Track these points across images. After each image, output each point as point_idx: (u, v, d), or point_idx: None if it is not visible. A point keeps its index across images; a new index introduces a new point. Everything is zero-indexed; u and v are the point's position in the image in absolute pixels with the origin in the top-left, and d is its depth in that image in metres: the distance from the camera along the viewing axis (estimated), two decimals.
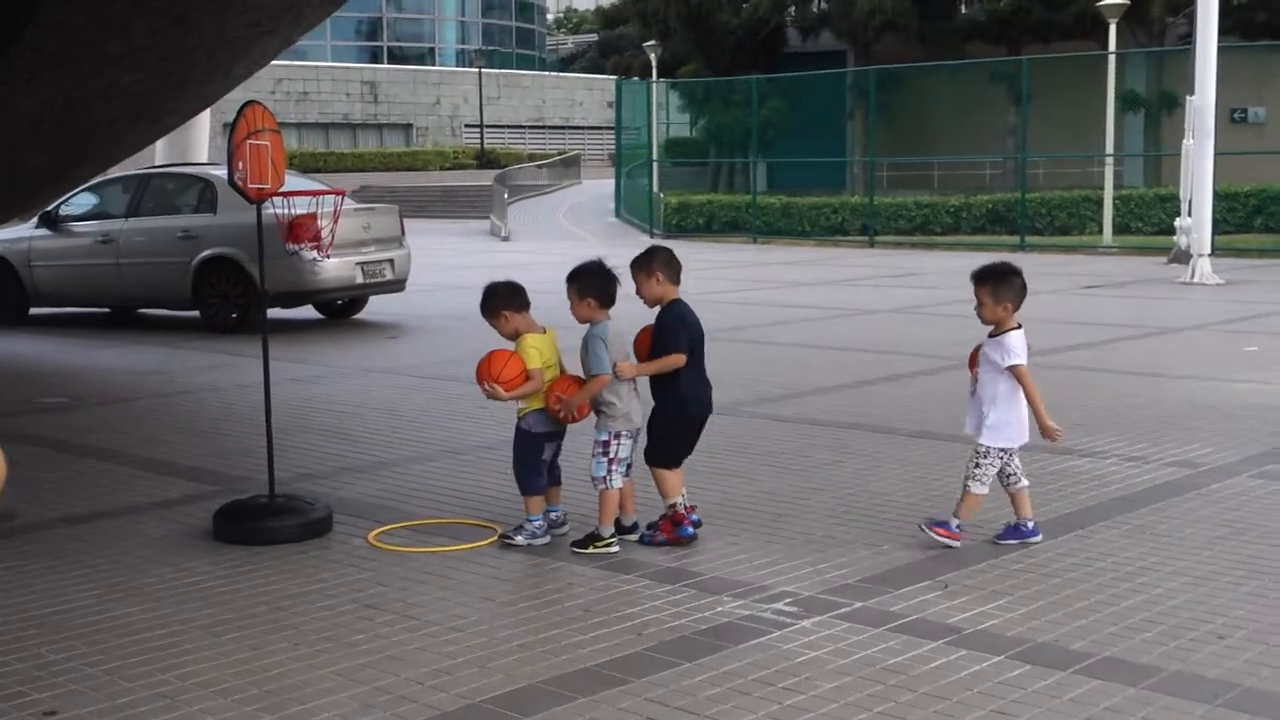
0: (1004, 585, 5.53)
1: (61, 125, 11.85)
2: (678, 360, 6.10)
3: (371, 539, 6.43)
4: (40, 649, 4.97)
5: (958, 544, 6.08)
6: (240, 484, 7.57)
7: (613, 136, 48.03)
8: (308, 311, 16.24)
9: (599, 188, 47.61)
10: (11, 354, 13.87)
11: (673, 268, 6.25)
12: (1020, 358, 6.06)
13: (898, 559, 5.95)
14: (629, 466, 6.22)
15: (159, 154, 23.54)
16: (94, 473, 8.09)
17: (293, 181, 13.67)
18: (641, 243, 33.12)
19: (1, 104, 11.02)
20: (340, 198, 7.64)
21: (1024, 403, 6.12)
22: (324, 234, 7.56)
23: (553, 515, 6.39)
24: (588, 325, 6.18)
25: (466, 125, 67.09)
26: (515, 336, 6.24)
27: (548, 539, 6.30)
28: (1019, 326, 6.14)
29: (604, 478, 6.17)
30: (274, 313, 15.62)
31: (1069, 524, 6.48)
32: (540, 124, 70.72)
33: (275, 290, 14.65)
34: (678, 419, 6.22)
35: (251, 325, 14.83)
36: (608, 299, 6.19)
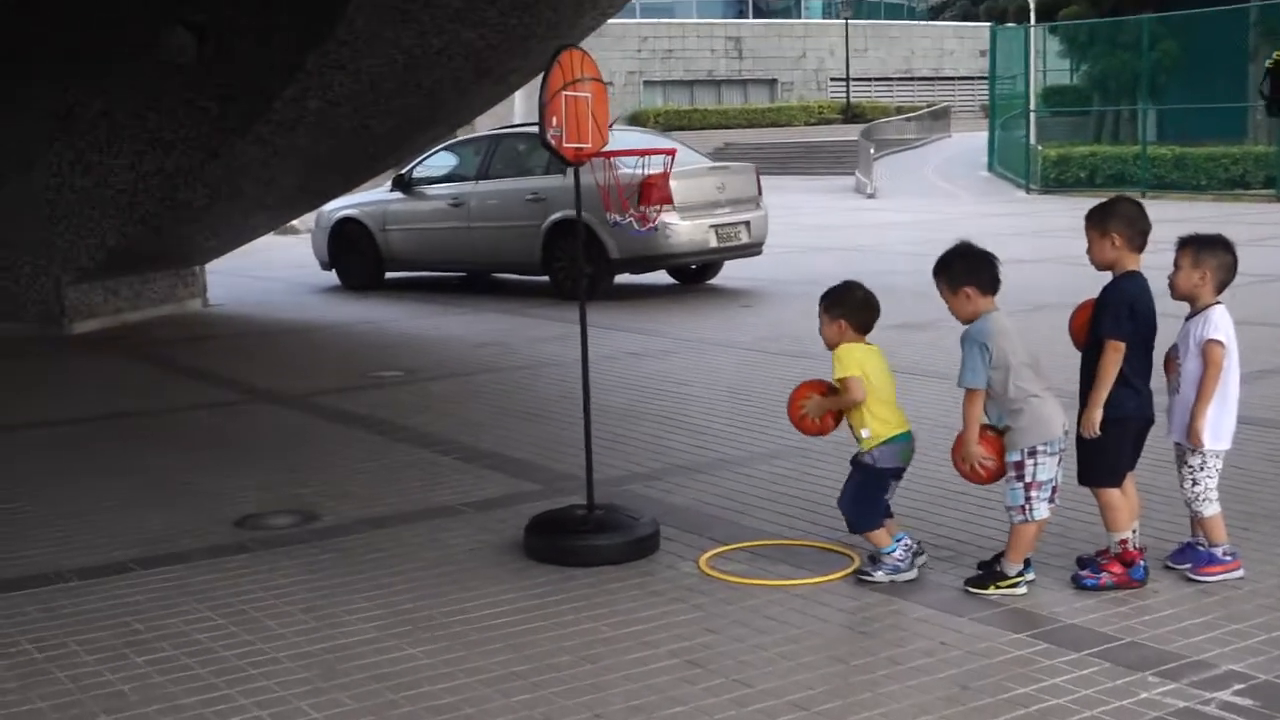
0: None
1: (403, 86, 11.38)
2: (1113, 356, 4.83)
3: (703, 564, 5.41)
4: (302, 702, 4.17)
5: (1240, 571, 4.96)
6: (564, 483, 6.67)
7: (985, 87, 45.61)
8: (660, 277, 15.46)
9: (970, 141, 45.31)
10: (362, 320, 13.60)
11: (1135, 228, 4.94)
12: (1220, 334, 4.89)
13: None
14: (1054, 491, 4.97)
15: (518, 113, 23.35)
16: (407, 462, 7.39)
17: (624, 139, 12.89)
18: (1016, 199, 31.25)
19: (344, 63, 10.61)
20: (670, 157, 6.60)
21: (1233, 391, 4.95)
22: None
23: (907, 541, 5.21)
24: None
25: (832, 79, 65.42)
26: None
27: (914, 572, 5.13)
28: (1219, 303, 5.02)
29: (1022, 507, 4.92)
30: (625, 278, 14.91)
31: None
32: (908, 75, 68.31)
33: (625, 255, 13.97)
34: (1113, 423, 4.91)
35: (602, 293, 14.12)
36: (990, 283, 4.97)
